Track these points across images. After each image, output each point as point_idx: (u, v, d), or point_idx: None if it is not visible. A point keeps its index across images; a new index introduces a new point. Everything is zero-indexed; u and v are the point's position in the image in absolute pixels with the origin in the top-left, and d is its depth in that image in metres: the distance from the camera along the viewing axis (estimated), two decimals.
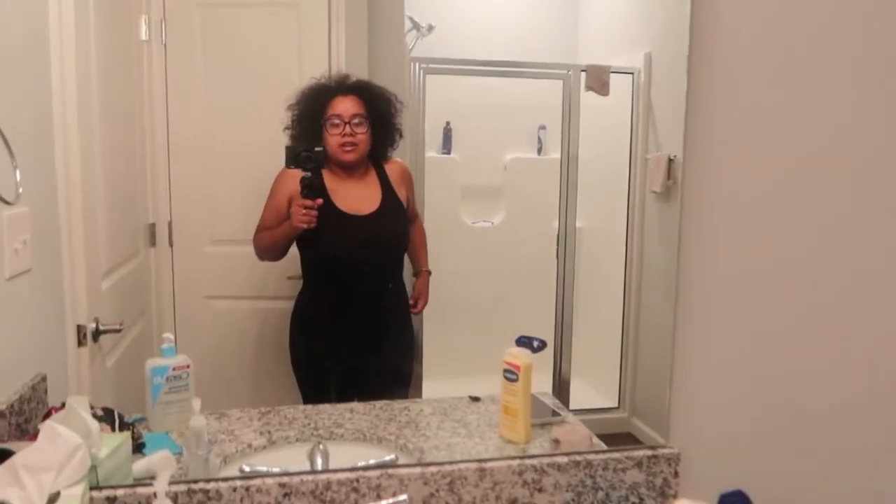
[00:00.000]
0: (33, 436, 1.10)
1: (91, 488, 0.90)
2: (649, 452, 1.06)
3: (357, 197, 1.58)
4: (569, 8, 1.87)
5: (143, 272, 1.78)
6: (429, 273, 1.66)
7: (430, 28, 1.84)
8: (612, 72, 1.70)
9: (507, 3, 1.93)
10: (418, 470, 1.00)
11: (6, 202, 1.09)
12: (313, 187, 1.47)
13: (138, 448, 1.13)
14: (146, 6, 1.69)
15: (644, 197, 1.47)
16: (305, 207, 1.45)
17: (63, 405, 1.16)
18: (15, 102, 1.19)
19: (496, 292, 1.95)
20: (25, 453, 0.84)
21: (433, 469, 1.00)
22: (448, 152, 1.91)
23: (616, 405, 1.62)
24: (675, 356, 1.10)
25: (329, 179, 1.52)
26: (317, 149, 1.48)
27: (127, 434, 1.02)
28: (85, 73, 1.43)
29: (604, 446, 1.15)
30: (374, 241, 1.59)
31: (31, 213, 1.24)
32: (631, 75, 1.63)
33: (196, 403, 1.08)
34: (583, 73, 1.77)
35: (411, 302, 1.63)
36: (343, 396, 1.51)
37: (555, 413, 1.41)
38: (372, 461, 1.05)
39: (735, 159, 1.15)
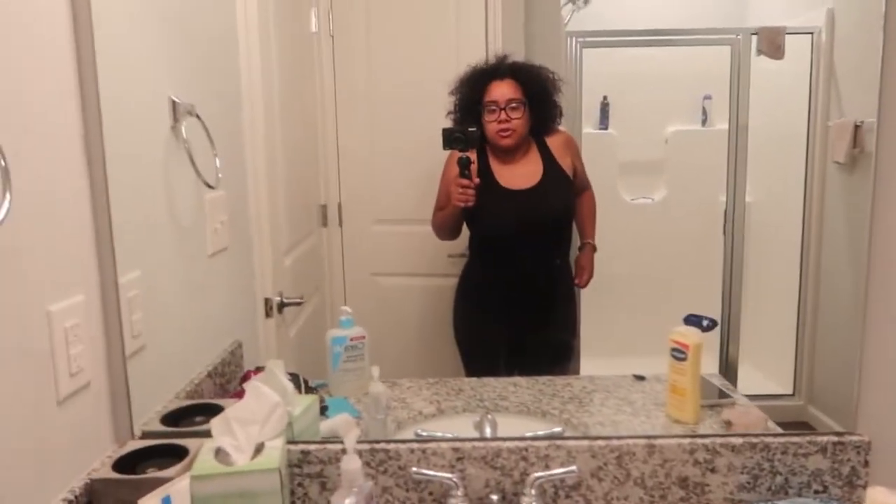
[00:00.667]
0: (235, 394, 1.24)
1: (288, 442, 1.00)
2: (835, 439, 1.00)
3: (519, 172, 1.59)
4: None
5: (317, 250, 1.92)
6: (593, 247, 1.63)
7: (587, 1, 1.81)
8: (788, 33, 1.59)
9: None
10: (586, 443, 1.01)
11: (209, 186, 1.22)
12: (469, 166, 1.49)
13: (322, 411, 1.23)
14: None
15: (825, 168, 1.37)
16: (462, 186, 1.49)
17: (257, 369, 1.29)
18: (215, 99, 1.32)
19: (658, 271, 1.90)
20: (236, 407, 0.95)
21: (601, 443, 1.00)
22: (605, 128, 1.88)
23: (791, 392, 1.53)
24: (865, 336, 1.02)
25: (492, 158, 1.54)
26: (470, 129, 1.51)
27: (316, 396, 1.12)
28: (268, 68, 1.55)
29: (780, 431, 1.10)
30: (535, 215, 1.59)
31: (227, 197, 1.38)
32: (810, 35, 1.51)
33: (375, 371, 1.16)
34: (753, 37, 1.66)
35: (575, 276, 1.62)
36: (505, 370, 1.54)
37: (724, 395, 1.36)
38: (540, 432, 1.08)
39: None
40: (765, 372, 1.70)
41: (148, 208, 1.09)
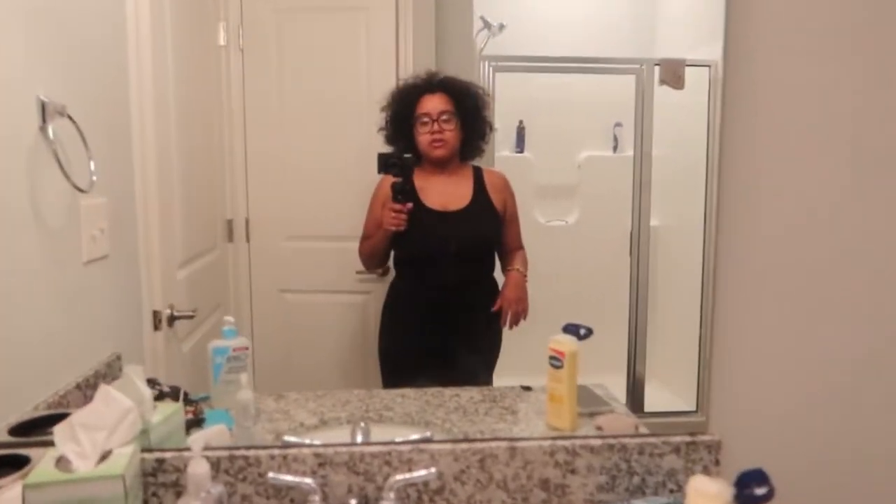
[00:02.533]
0: None
1: (143, 450, 0.97)
2: (688, 439, 1.03)
3: (446, 194, 1.61)
4: (645, 2, 1.83)
5: (221, 265, 1.89)
6: (519, 273, 1.65)
7: (502, 27, 1.85)
8: (688, 65, 1.65)
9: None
10: (449, 446, 1.00)
11: (80, 190, 1.19)
12: (403, 192, 1.51)
13: (199, 423, 1.20)
14: (224, 13, 1.79)
15: (721, 194, 1.42)
16: (395, 211, 1.50)
17: None
18: (93, 102, 1.29)
19: (570, 291, 1.93)
20: (81, 412, 0.92)
21: (464, 446, 1.01)
22: (521, 151, 1.91)
23: (695, 408, 1.56)
24: (714, 345, 1.06)
25: (420, 178, 1.55)
26: (405, 155, 1.53)
27: (178, 405, 1.09)
28: (162, 76, 1.53)
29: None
30: (460, 236, 1.60)
31: (109, 204, 1.34)
32: (708, 68, 1.58)
33: (244, 378, 1.13)
34: (656, 68, 1.73)
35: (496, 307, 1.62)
36: (424, 383, 1.52)
37: (604, 403, 1.38)
38: (404, 438, 1.07)
39: (771, 151, 1.12)
40: (671, 389, 1.74)
41: (7, 212, 1.05)
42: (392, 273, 1.72)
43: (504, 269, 1.67)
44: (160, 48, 1.52)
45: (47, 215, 1.16)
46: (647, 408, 1.65)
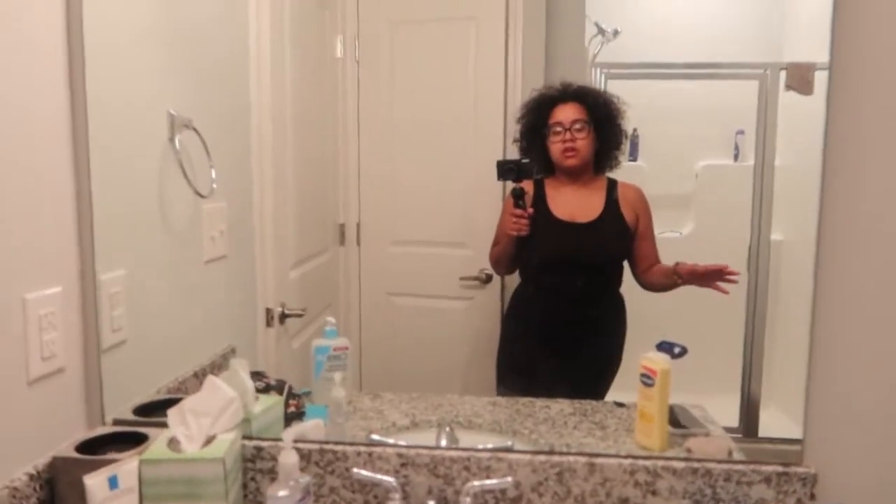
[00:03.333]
0: None
1: (244, 437, 1.05)
2: (780, 469, 0.97)
3: (575, 205, 1.61)
4: (770, 4, 1.75)
5: (332, 267, 1.99)
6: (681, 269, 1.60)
7: (616, 32, 1.83)
8: (819, 69, 1.56)
9: (700, 2, 1.86)
10: (528, 457, 1.01)
11: (201, 195, 1.30)
12: (522, 197, 1.52)
13: (300, 416, 1.27)
14: (342, 26, 1.89)
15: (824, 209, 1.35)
16: (515, 216, 1.51)
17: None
18: (216, 114, 1.41)
19: (684, 307, 1.88)
20: (191, 399, 1.01)
21: (542, 458, 1.01)
22: (635, 160, 1.88)
23: None
24: (812, 366, 1.00)
25: (551, 187, 1.57)
26: (522, 160, 1.55)
27: (280, 398, 1.17)
28: (280, 88, 1.64)
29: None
30: (586, 250, 1.60)
31: (228, 208, 1.46)
32: None
33: (338, 376, 1.20)
34: (782, 73, 1.65)
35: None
36: (539, 392, 1.51)
37: (699, 425, 1.33)
38: (487, 445, 1.09)
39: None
40: (791, 415, 1.65)
41: (138, 213, 1.17)
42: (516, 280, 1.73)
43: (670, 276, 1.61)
44: (279, 63, 1.63)
45: (173, 218, 1.27)
46: (762, 432, 1.57)
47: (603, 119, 1.59)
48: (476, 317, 1.86)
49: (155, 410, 1.15)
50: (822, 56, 1.55)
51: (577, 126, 1.56)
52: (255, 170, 1.57)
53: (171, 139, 1.24)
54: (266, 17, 1.56)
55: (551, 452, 1.03)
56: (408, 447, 1.04)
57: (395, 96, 1.91)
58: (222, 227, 1.44)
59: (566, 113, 1.58)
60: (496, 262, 1.67)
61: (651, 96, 1.84)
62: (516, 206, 1.52)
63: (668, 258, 1.92)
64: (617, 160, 1.64)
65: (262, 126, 1.57)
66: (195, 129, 1.29)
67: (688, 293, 1.85)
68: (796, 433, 1.53)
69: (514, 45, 1.82)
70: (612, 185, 1.64)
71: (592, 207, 1.62)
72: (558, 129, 1.57)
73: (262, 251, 1.60)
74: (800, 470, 0.98)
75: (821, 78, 1.55)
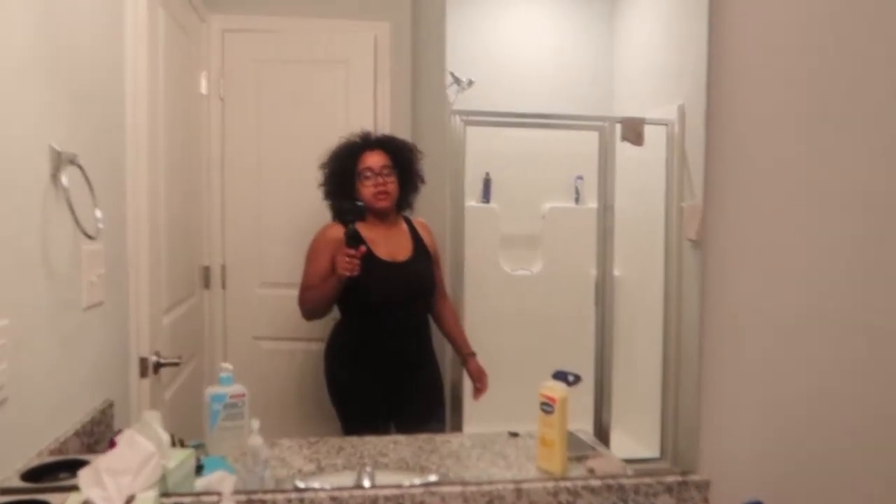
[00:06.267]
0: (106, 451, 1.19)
1: (161, 495, 0.98)
2: (679, 478, 1.10)
3: (392, 245, 1.70)
4: (605, 62, 1.95)
5: (198, 312, 1.89)
6: (474, 354, 1.74)
7: (471, 83, 1.95)
8: (647, 123, 1.76)
9: (544, 57, 2.03)
10: (459, 489, 1.05)
11: (89, 236, 1.21)
12: (356, 237, 1.58)
13: (198, 470, 1.20)
14: (206, 62, 1.84)
15: (680, 245, 1.51)
16: (349, 256, 1.56)
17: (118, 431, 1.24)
18: (95, 149, 1.31)
19: (535, 340, 1.99)
20: (107, 457, 0.93)
21: (472, 488, 1.05)
22: (487, 201, 2.00)
23: (658, 455, 1.62)
24: (702, 386, 1.15)
25: (364, 230, 1.63)
26: (358, 203, 1.63)
27: (191, 451, 1.10)
28: (154, 123, 1.56)
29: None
30: (408, 285, 1.70)
31: (106, 250, 1.35)
32: (665, 126, 1.69)
33: (255, 424, 1.15)
34: (618, 125, 1.84)
35: (475, 388, 1.74)
36: (380, 425, 1.60)
37: (590, 447, 1.44)
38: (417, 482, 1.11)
39: (750, 207, 1.22)
40: (635, 436, 1.80)
41: (20, 257, 1.06)
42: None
43: (461, 354, 1.76)
44: (153, 98, 1.55)
45: (56, 261, 1.16)
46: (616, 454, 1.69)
47: (405, 163, 1.71)
48: None
49: (45, 475, 1.03)
50: (649, 112, 1.78)
51: (386, 171, 1.68)
52: (129, 209, 1.48)
53: (55, 175, 1.14)
54: (143, 45, 1.49)
55: (480, 483, 1.07)
56: (340, 490, 1.03)
57: (262, 137, 1.88)
58: (101, 270, 1.34)
59: (375, 158, 1.69)
60: (315, 305, 1.72)
61: (503, 143, 1.99)
62: (349, 245, 1.58)
63: (520, 295, 2.06)
64: (413, 202, 1.76)
65: (139, 164, 1.48)
66: (79, 166, 1.19)
67: (542, 327, 1.99)
68: (640, 453, 1.70)
69: (383, 90, 1.89)
70: (409, 222, 1.77)
71: (403, 246, 1.74)
72: (368, 173, 1.67)
73: (136, 296, 1.50)
74: (695, 478, 1.11)
75: (649, 131, 1.77)
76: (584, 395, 1.83)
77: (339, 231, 1.62)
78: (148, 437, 0.97)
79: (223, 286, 1.93)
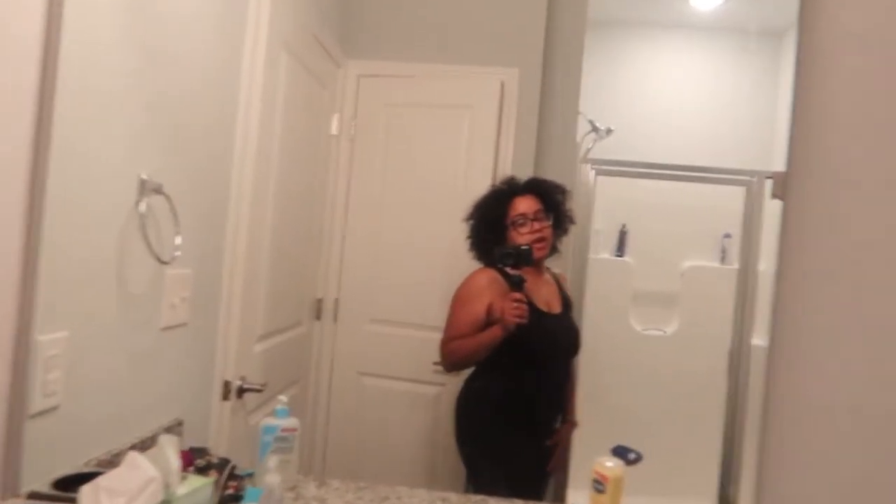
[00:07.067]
0: None
1: None
2: None
3: (545, 295, 1.62)
4: (767, 114, 1.79)
5: (304, 343, 1.96)
6: (576, 425, 1.64)
7: (609, 131, 1.86)
8: None
9: (693, 107, 1.91)
10: None
11: (161, 262, 1.29)
12: (522, 284, 1.49)
13: (237, 499, 1.21)
14: (340, 105, 1.93)
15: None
16: (517, 301, 1.46)
17: (191, 449, 1.29)
18: (192, 181, 1.40)
19: (662, 404, 1.85)
20: (107, 476, 0.96)
21: None
22: (621, 255, 1.88)
23: None
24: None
25: None
26: (523, 247, 1.53)
27: (209, 480, 1.11)
28: (266, 159, 1.64)
29: None
30: (567, 338, 1.62)
31: (194, 275, 1.44)
32: None
33: (272, 461, 1.14)
34: (767, 181, 1.66)
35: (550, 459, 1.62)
36: (530, 489, 1.50)
37: None
38: None
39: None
40: None
41: (89, 274, 1.15)
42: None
43: (566, 415, 1.65)
44: (267, 136, 1.64)
45: (131, 282, 1.25)
46: None
47: (556, 206, 1.63)
48: (446, 403, 1.81)
49: (76, 483, 1.09)
50: None
51: (540, 216, 1.58)
52: (228, 239, 1.56)
53: (138, 202, 1.24)
54: (258, 88, 1.58)
55: None
56: None
57: (386, 177, 1.94)
58: (185, 293, 1.42)
59: (527, 204, 1.60)
60: (467, 354, 1.62)
61: (640, 194, 1.86)
62: (517, 290, 1.48)
63: (651, 356, 1.90)
64: (560, 245, 1.66)
65: (242, 196, 1.57)
66: (165, 194, 1.28)
67: (669, 392, 1.81)
68: None
69: (507, 136, 1.86)
70: (551, 273, 1.65)
71: (555, 297, 1.63)
72: (522, 220, 1.58)
73: (226, 321, 1.57)
74: None
75: None
76: (709, 468, 1.71)
77: (495, 276, 1.56)
78: (158, 461, 0.99)
79: (335, 319, 1.99)
